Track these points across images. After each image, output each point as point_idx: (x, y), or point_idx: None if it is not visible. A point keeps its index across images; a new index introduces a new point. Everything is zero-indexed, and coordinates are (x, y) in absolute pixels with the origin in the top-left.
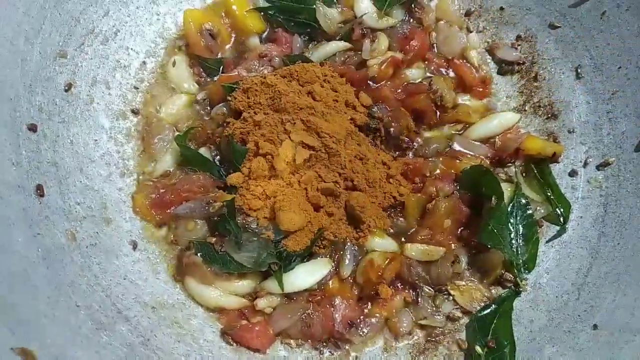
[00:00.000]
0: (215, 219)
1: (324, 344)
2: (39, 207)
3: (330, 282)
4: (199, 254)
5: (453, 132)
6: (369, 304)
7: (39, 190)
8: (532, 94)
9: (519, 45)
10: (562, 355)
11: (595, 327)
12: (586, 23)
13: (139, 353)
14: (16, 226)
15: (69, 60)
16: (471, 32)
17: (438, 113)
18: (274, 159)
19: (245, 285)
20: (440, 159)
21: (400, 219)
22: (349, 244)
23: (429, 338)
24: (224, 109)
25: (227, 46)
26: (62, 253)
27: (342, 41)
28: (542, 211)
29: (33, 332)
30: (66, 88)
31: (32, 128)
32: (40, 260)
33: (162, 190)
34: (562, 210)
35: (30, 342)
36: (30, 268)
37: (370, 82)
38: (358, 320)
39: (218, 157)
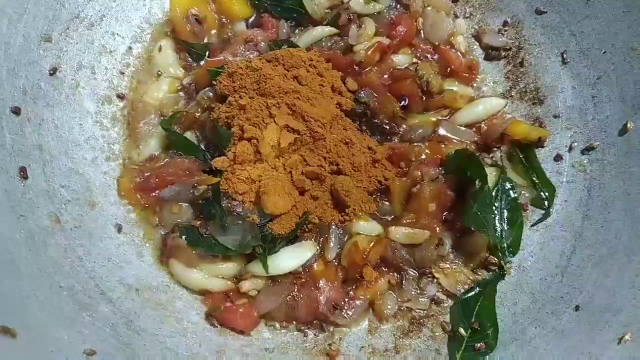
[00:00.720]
0: (201, 202)
1: (309, 326)
2: (22, 190)
3: (315, 264)
4: (183, 237)
5: (439, 117)
6: (354, 286)
7: (22, 173)
8: (519, 79)
9: (505, 31)
10: (545, 337)
11: (577, 308)
12: (572, 8)
13: (122, 334)
14: None
15: (54, 45)
16: (458, 17)
17: (424, 98)
18: (259, 142)
19: (229, 267)
20: (426, 143)
21: (386, 202)
22: (333, 227)
23: (413, 320)
24: (210, 93)
25: (213, 31)
26: (46, 235)
27: (328, 26)
28: (527, 195)
29: (16, 311)
30: (51, 72)
31: (16, 111)
32: (23, 242)
33: (147, 174)
34: (546, 194)
35: (12, 321)
36: (14, 249)
37: (357, 68)
38: (342, 303)
39: (204, 141)
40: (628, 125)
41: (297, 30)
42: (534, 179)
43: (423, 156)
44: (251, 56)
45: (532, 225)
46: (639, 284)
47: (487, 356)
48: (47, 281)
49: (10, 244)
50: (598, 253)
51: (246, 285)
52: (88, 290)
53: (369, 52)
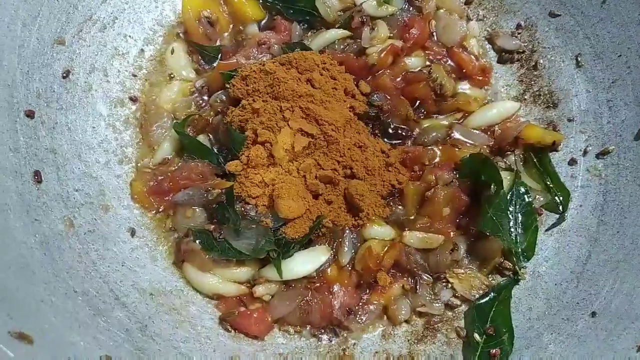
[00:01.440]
0: (214, 206)
1: (322, 331)
2: (36, 194)
3: (329, 269)
4: (197, 241)
5: (452, 120)
6: (368, 291)
7: (37, 177)
8: (532, 82)
9: (519, 33)
10: (561, 343)
11: (593, 314)
12: (586, 11)
13: (137, 339)
14: (13, 212)
15: (67, 47)
16: (471, 20)
17: (437, 101)
18: (272, 146)
19: (243, 272)
20: (440, 147)
21: (399, 207)
22: (347, 231)
23: (427, 325)
24: (223, 96)
25: (226, 34)
26: (60, 239)
27: (341, 29)
28: (542, 199)
29: (31, 317)
30: (64, 75)
31: (30, 114)
32: (37, 246)
33: (160, 178)
34: (561, 198)
35: (28, 327)
36: (28, 254)
37: (370, 70)
38: (356, 308)
39: (217, 144)
40: None
41: (309, 33)
42: (548, 183)
43: (437, 160)
44: (264, 59)
45: (547, 230)
46: None
47: None
48: (62, 286)
49: (25, 249)
50: (614, 258)
51: (260, 290)
52: (102, 295)
53: (382, 55)
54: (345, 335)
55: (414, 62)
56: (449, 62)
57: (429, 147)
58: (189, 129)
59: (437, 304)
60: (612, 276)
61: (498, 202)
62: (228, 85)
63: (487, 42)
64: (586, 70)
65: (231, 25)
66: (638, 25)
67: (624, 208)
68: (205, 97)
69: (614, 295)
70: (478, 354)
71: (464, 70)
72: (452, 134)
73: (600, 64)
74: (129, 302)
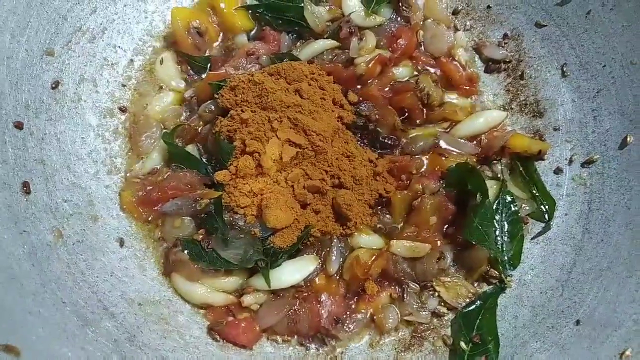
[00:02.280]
0: (203, 216)
1: (310, 340)
2: (25, 205)
3: (317, 278)
4: (185, 251)
5: (439, 130)
6: (355, 300)
7: (25, 188)
8: (519, 92)
9: (505, 43)
10: (546, 351)
11: (578, 322)
12: (572, 22)
13: (125, 349)
14: (1, 224)
15: (56, 58)
16: (458, 30)
17: (425, 111)
18: (260, 156)
19: (232, 281)
20: (427, 156)
21: (387, 216)
22: (335, 240)
23: (414, 334)
24: (212, 106)
25: (215, 44)
26: (49, 250)
27: (329, 39)
28: (527, 208)
29: (18, 328)
30: (53, 86)
31: (19, 125)
32: (26, 258)
33: (149, 188)
34: (547, 207)
35: (15, 339)
36: (16, 265)
37: (358, 81)
38: (344, 316)
39: (205, 154)
40: (628, 139)
41: (298, 43)
42: (534, 191)
43: (424, 169)
44: (253, 69)
45: (533, 239)
46: (639, 298)
47: None
48: (50, 297)
49: (13, 260)
50: (598, 267)
51: (248, 300)
52: (91, 305)
53: (370, 65)
54: (333, 344)
55: (401, 72)
56: (437, 71)
57: (416, 157)
58: (177, 139)
59: (424, 313)
60: (597, 284)
61: (484, 211)
62: (217, 96)
63: (474, 52)
64: (572, 80)
65: (220, 36)
66: (621, 36)
67: (608, 217)
68: (195, 107)
69: (597, 303)
70: None
71: (452, 80)
72: (439, 143)
73: (585, 74)
74: (117, 312)
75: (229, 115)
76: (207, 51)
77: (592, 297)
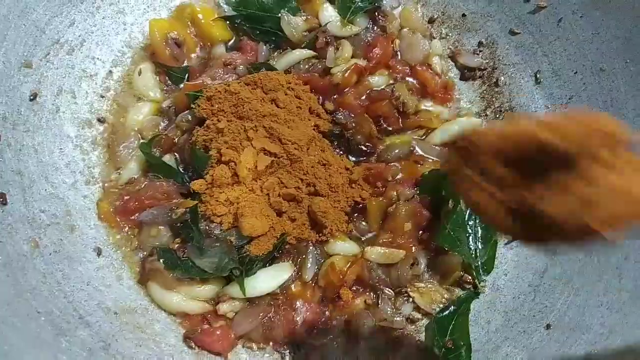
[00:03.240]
0: (179, 225)
1: (285, 347)
2: (1, 215)
3: (293, 285)
4: (161, 260)
5: (415, 137)
6: (330, 306)
7: (2, 199)
8: (494, 99)
9: (480, 51)
10: (517, 355)
11: (548, 326)
12: (544, 29)
13: (99, 358)
14: None
15: (34, 70)
16: (434, 38)
17: (400, 119)
18: (236, 165)
19: (207, 290)
20: (402, 163)
21: (362, 222)
22: (311, 247)
23: (388, 340)
24: (189, 116)
25: (194, 55)
26: (24, 260)
27: (306, 49)
28: None
29: None
30: (31, 97)
31: None
32: (1, 268)
33: (126, 197)
34: None
35: None
36: None
37: (335, 90)
38: (319, 323)
39: (182, 164)
40: None
41: (275, 53)
42: None
43: (399, 176)
44: (230, 79)
45: (506, 244)
46: (607, 302)
47: None
48: (24, 307)
49: None
50: (569, 271)
51: (224, 308)
52: (66, 314)
53: (346, 74)
54: (308, 350)
55: (377, 80)
56: (413, 80)
57: (392, 164)
58: (155, 149)
59: (398, 318)
60: (567, 289)
61: (456, 217)
62: (193, 106)
63: (449, 60)
64: (545, 87)
65: (198, 46)
66: (592, 43)
67: None
68: (173, 117)
69: (567, 308)
70: None
71: (427, 88)
72: (415, 151)
73: (558, 80)
74: (92, 321)
75: (205, 125)
76: (186, 62)
77: (563, 301)
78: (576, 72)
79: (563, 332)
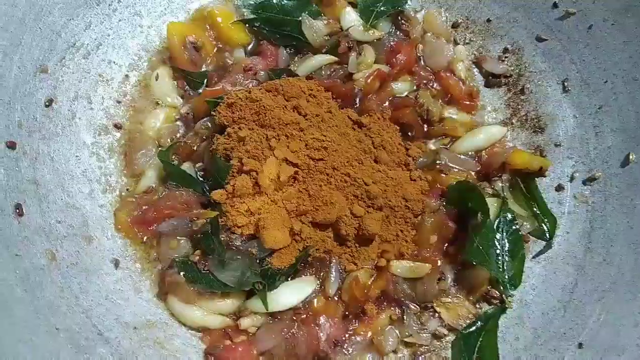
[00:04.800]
0: (199, 236)
1: None
2: (17, 227)
3: (316, 300)
4: (181, 273)
5: (440, 146)
6: (354, 322)
7: (18, 210)
8: (519, 107)
9: (506, 57)
10: None
11: (580, 345)
12: (573, 36)
13: None
14: None
15: (50, 75)
16: (458, 44)
17: (424, 127)
18: (258, 175)
19: (229, 304)
20: (427, 173)
21: None
22: (334, 260)
23: (414, 356)
24: (208, 123)
25: (212, 59)
26: (42, 274)
27: (327, 54)
28: (528, 226)
29: (7, 358)
30: (47, 103)
31: (11, 146)
32: (18, 283)
33: (144, 207)
34: (548, 225)
35: None
36: (7, 291)
37: (357, 96)
38: (343, 339)
39: (202, 172)
40: (630, 157)
41: (296, 58)
42: (535, 209)
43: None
44: (250, 85)
45: (534, 258)
46: None
47: None
48: (43, 324)
49: (4, 287)
50: (601, 288)
51: (245, 322)
52: (85, 331)
53: (369, 80)
54: None
55: (400, 87)
56: (436, 86)
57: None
58: (173, 157)
59: (424, 334)
60: (599, 306)
61: (485, 231)
62: (214, 113)
63: (474, 66)
64: (573, 95)
65: (217, 50)
66: (623, 52)
67: (610, 236)
68: (191, 124)
69: (600, 326)
70: None
71: (451, 95)
72: (440, 160)
73: (587, 89)
74: (112, 337)
75: (225, 133)
76: (204, 66)
77: (595, 319)
78: (606, 81)
79: (597, 352)
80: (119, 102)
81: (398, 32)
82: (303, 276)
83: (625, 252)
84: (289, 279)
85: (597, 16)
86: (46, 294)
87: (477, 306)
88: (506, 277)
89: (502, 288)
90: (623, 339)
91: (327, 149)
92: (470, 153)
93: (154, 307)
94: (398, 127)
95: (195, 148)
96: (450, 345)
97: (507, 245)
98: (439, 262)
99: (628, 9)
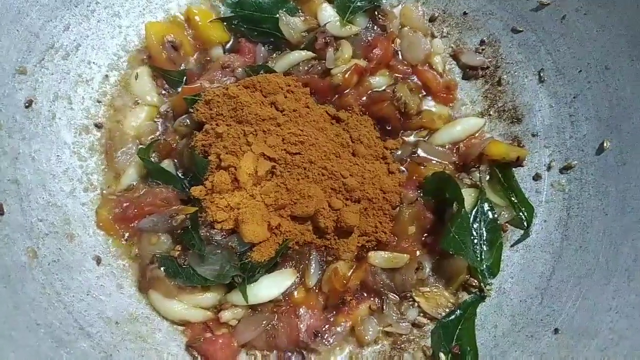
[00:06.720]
0: (179, 232)
1: (290, 354)
2: None
3: (296, 292)
4: (162, 268)
5: (418, 138)
6: (334, 312)
7: None
8: (497, 98)
9: (482, 49)
10: None
11: (556, 331)
12: (547, 27)
13: None
14: None
15: (29, 76)
16: (435, 37)
17: (402, 120)
18: (236, 171)
19: (209, 297)
20: (405, 165)
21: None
22: (314, 253)
23: (394, 345)
24: (187, 120)
25: (191, 57)
26: (23, 271)
27: (305, 50)
28: (506, 215)
29: None
30: (26, 104)
31: None
32: None
33: (125, 204)
34: (525, 214)
35: None
36: None
37: (335, 91)
38: (323, 330)
39: (181, 169)
40: (605, 145)
41: (274, 55)
42: (513, 198)
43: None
44: (228, 82)
45: (512, 246)
46: (616, 306)
47: None
48: (23, 319)
49: None
50: (577, 274)
51: (226, 315)
52: (66, 326)
53: (347, 75)
54: (312, 358)
55: (378, 81)
56: (414, 80)
57: None
58: (154, 155)
59: (404, 324)
60: (575, 292)
61: (460, 221)
62: (192, 110)
63: (451, 59)
64: (549, 86)
65: (195, 49)
66: (596, 41)
67: (586, 223)
68: (171, 122)
69: (576, 312)
70: None
71: (429, 88)
72: (418, 152)
73: (562, 79)
74: (93, 332)
75: (203, 129)
76: (183, 65)
77: (571, 305)
78: (581, 71)
79: (572, 337)
80: (99, 101)
81: (375, 27)
82: (283, 269)
83: (600, 238)
84: (269, 271)
85: (570, 6)
86: (27, 290)
87: (456, 295)
88: (484, 265)
89: (480, 277)
90: (596, 323)
91: (304, 143)
92: (448, 145)
93: (136, 302)
94: (375, 121)
95: (174, 145)
96: (430, 333)
97: (485, 234)
98: (418, 253)
99: None
